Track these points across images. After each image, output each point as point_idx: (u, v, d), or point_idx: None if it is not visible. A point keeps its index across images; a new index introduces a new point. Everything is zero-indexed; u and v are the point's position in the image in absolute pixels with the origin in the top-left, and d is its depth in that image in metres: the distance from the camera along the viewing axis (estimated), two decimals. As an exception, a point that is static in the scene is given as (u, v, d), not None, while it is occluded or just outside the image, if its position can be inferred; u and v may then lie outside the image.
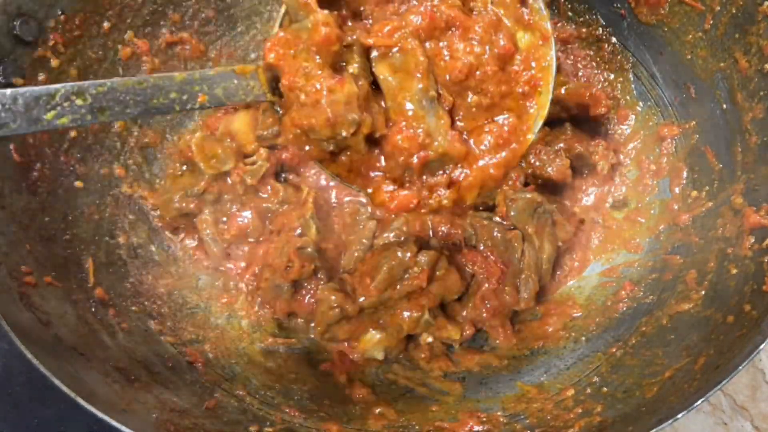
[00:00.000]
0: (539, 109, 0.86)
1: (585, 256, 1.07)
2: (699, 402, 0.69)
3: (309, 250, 0.98)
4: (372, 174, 0.86)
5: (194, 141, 1.01)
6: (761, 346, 0.72)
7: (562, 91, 1.03)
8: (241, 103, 0.82)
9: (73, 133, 0.96)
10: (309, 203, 1.02)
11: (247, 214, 1.03)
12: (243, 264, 1.05)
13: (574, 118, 1.06)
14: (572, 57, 1.11)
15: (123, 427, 0.70)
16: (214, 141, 1.02)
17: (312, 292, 1.01)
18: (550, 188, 1.06)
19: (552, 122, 1.05)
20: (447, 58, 0.82)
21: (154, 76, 0.72)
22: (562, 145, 1.04)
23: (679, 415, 0.68)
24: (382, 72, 0.81)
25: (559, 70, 1.02)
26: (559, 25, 1.10)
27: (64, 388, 0.70)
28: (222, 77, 0.76)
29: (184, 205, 1.02)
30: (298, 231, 1.00)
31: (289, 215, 1.03)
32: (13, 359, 1.05)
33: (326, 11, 0.78)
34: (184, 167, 1.05)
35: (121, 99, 0.70)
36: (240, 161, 1.03)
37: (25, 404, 1.05)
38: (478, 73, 0.83)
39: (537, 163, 1.03)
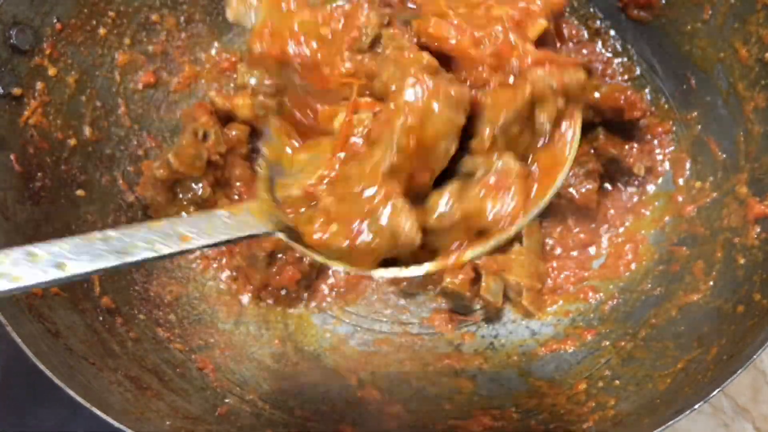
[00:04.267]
0: None
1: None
2: (715, 392, 0.69)
3: None
4: None
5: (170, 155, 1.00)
6: (774, 336, 0.72)
7: (596, 95, 0.99)
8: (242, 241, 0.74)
9: (72, 142, 0.95)
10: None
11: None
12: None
13: (607, 123, 1.02)
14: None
15: (132, 434, 0.70)
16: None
17: (286, 261, 1.00)
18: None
19: (584, 127, 1.02)
20: None
21: (119, 231, 0.61)
22: (591, 166, 0.99)
23: (697, 406, 0.68)
24: None
25: (591, 73, 0.98)
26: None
27: (79, 399, 0.69)
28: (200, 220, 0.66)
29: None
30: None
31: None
32: (13, 359, 1.04)
33: None
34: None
35: (93, 252, 0.58)
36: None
37: (24, 405, 1.04)
38: None
39: None
